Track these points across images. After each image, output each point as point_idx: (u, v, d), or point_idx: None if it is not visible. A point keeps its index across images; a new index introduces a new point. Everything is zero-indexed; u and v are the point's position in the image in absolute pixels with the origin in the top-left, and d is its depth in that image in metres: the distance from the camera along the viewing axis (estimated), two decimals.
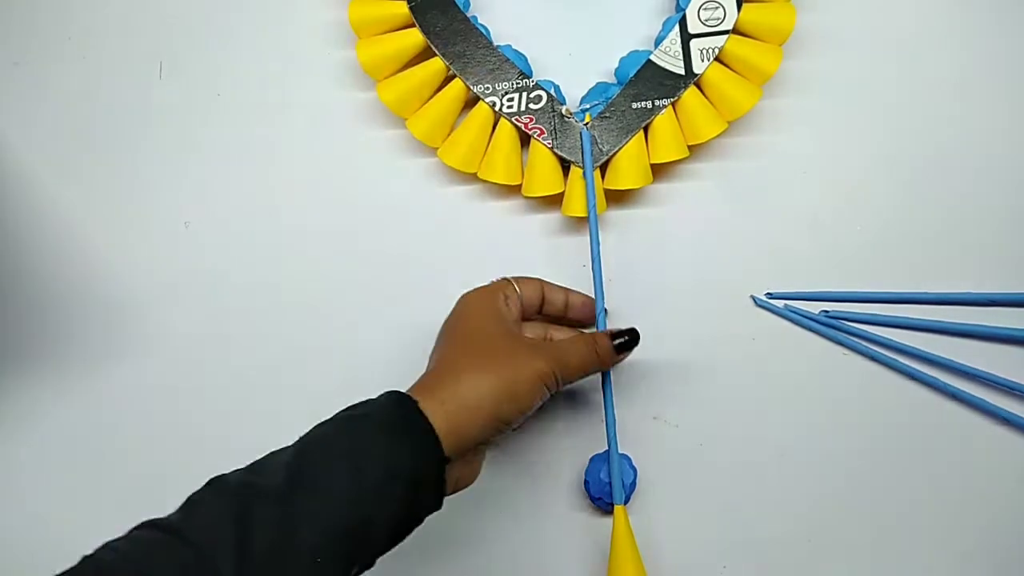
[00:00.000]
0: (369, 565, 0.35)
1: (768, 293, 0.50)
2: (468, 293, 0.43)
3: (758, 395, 0.49)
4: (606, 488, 0.46)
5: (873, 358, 0.49)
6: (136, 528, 0.32)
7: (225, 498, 0.32)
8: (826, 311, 0.50)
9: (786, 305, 0.50)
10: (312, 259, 0.51)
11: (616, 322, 0.50)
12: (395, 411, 0.36)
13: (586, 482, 0.47)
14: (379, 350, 0.49)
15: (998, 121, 0.51)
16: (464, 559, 0.47)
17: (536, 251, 0.50)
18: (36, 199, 0.51)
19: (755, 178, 0.51)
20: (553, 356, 0.40)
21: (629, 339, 0.43)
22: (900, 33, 0.53)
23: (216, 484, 0.33)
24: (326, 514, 0.32)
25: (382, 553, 0.35)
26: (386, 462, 0.34)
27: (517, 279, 0.44)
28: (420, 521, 0.37)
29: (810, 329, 0.50)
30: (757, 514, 0.48)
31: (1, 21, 0.52)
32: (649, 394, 0.49)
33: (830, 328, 0.49)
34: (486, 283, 0.44)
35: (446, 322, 0.42)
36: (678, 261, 0.50)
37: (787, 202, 0.51)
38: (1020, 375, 0.48)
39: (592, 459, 0.48)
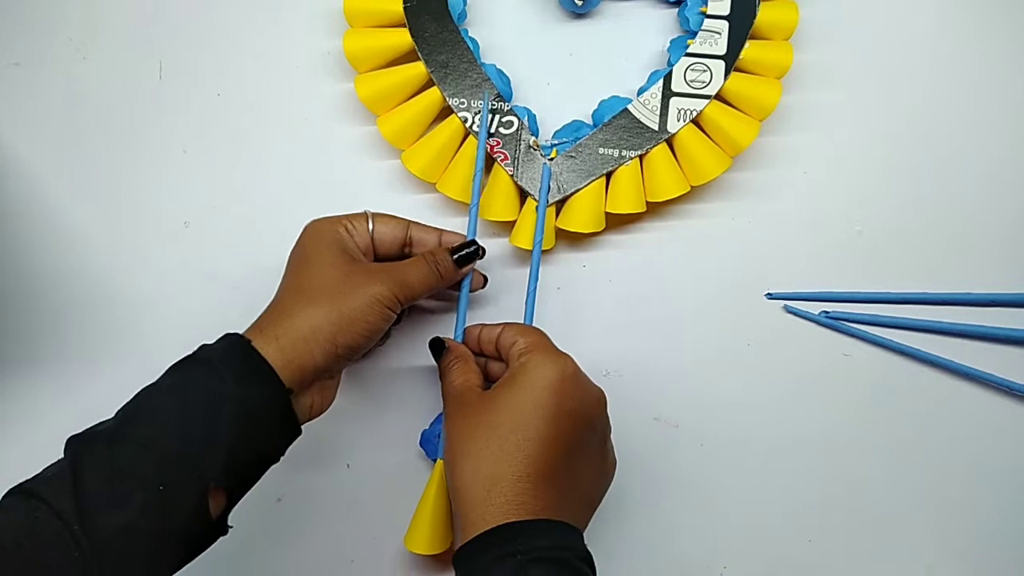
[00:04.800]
0: (234, 490, 0.37)
1: (768, 294, 0.50)
2: (311, 221, 0.43)
3: (758, 395, 0.49)
4: (433, 443, 0.47)
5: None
6: (4, 496, 0.34)
7: (69, 450, 0.35)
8: (826, 311, 0.50)
9: (786, 306, 0.50)
10: None
11: (615, 327, 0.50)
12: (224, 349, 0.37)
13: (423, 434, 0.48)
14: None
15: (997, 123, 0.52)
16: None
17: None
18: (36, 199, 0.51)
19: (756, 179, 0.51)
20: (391, 277, 0.40)
21: (468, 252, 0.44)
22: (900, 39, 0.53)
23: (68, 441, 0.35)
24: (153, 441, 0.34)
25: (243, 476, 0.37)
26: (212, 388, 0.35)
27: (376, 214, 0.44)
28: (279, 447, 0.38)
29: (810, 328, 0.50)
30: (757, 514, 0.48)
31: (1, 21, 0.52)
32: (649, 394, 0.49)
33: (830, 329, 0.50)
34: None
35: (290, 253, 0.43)
36: (679, 262, 0.51)
37: (788, 203, 0.51)
38: (1020, 375, 0.48)
39: (440, 415, 0.47)
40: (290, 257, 0.43)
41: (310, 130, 0.52)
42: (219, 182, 0.51)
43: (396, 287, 0.40)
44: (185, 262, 0.50)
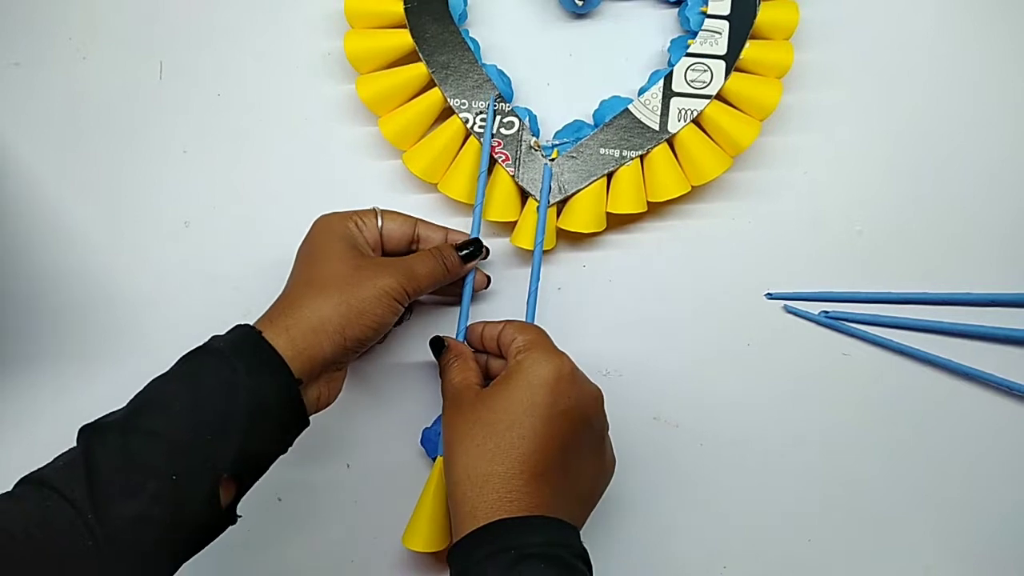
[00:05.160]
0: (244, 481, 0.37)
1: (768, 294, 0.50)
2: (321, 216, 0.44)
3: (758, 395, 0.49)
4: (433, 442, 0.47)
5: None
6: (15, 485, 0.34)
7: (81, 439, 0.35)
8: (826, 311, 0.50)
9: (786, 306, 0.50)
10: None
11: (615, 327, 0.50)
12: (235, 339, 0.37)
13: (424, 432, 0.48)
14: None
15: (997, 123, 0.52)
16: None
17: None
18: (36, 199, 0.51)
19: (756, 179, 0.51)
20: (399, 270, 0.41)
21: (473, 249, 0.45)
22: (900, 39, 0.53)
23: (80, 430, 0.35)
24: (165, 431, 0.34)
25: (253, 466, 0.37)
26: (224, 378, 0.36)
27: (385, 211, 0.45)
28: (288, 438, 0.39)
29: (810, 328, 0.50)
30: (757, 514, 0.48)
31: (1, 21, 0.52)
32: (649, 394, 0.49)
33: (830, 329, 0.50)
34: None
35: (299, 246, 0.43)
36: (679, 262, 0.51)
37: (789, 203, 0.51)
38: (1020, 375, 0.48)
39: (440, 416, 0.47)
40: (299, 251, 0.43)
41: (310, 130, 0.52)
42: (219, 182, 0.51)
43: (404, 279, 0.41)
44: (185, 262, 0.50)
